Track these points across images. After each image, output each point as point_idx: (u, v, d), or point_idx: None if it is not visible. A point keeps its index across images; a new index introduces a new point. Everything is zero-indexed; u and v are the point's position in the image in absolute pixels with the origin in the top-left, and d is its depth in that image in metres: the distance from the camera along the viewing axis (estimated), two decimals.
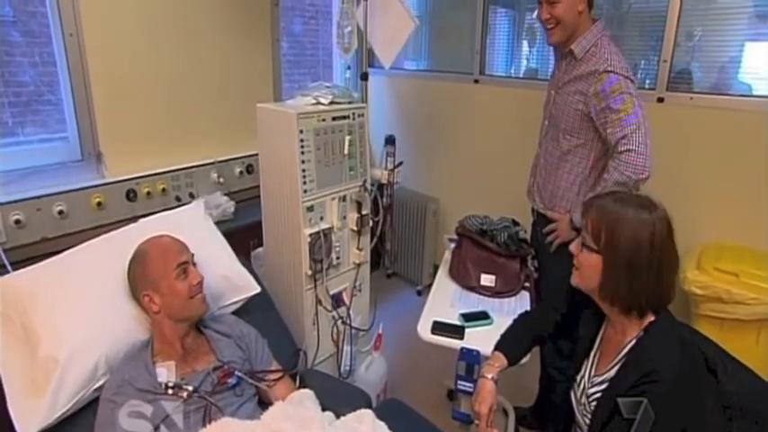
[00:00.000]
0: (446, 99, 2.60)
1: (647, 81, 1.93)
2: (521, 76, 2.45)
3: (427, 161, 2.73)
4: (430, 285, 1.69)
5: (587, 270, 0.94)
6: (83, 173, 1.76)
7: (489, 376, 1.04)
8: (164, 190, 1.89)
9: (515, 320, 1.19)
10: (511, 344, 1.12)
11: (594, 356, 1.01)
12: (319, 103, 1.49)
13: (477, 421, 1.03)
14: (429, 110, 2.69)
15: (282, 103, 1.57)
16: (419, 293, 2.73)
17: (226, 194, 2.05)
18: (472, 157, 2.55)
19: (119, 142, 1.82)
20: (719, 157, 1.75)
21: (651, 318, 0.91)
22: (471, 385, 1.10)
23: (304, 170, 1.43)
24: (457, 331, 1.31)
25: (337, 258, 1.58)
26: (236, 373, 1.09)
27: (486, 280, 1.53)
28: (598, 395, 0.94)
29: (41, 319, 1.02)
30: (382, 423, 1.01)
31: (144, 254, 1.09)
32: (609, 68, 1.31)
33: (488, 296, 1.51)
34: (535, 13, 1.63)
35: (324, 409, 1.09)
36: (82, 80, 1.70)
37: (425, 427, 1.15)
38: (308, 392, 1.14)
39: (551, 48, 1.54)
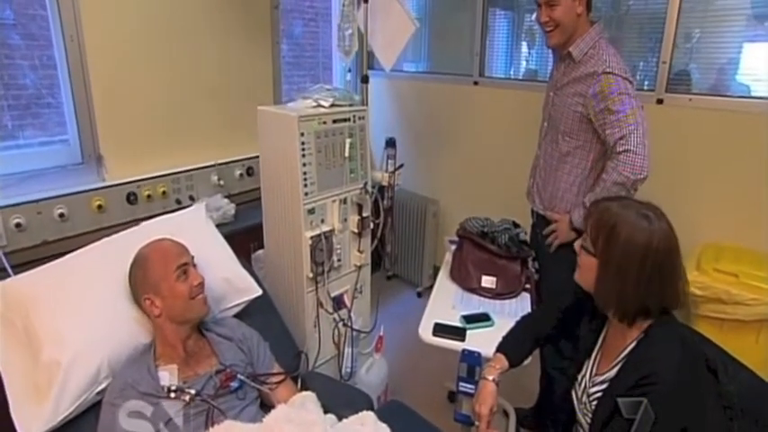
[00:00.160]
0: (446, 101, 2.61)
1: (646, 82, 1.93)
2: (520, 77, 2.45)
3: (427, 163, 2.73)
4: (430, 287, 1.69)
5: (585, 272, 0.96)
6: (83, 176, 1.76)
7: (490, 378, 1.05)
8: (164, 193, 1.89)
9: (517, 322, 1.19)
10: (512, 346, 1.13)
11: (596, 356, 1.02)
12: (320, 106, 1.50)
13: (477, 422, 1.03)
14: (429, 112, 2.70)
15: (283, 106, 1.57)
16: (419, 295, 2.73)
17: (226, 197, 2.05)
18: (472, 159, 2.55)
19: (119, 145, 1.82)
20: (718, 158, 1.76)
21: (651, 320, 0.91)
22: (472, 387, 1.10)
23: (305, 173, 1.43)
24: (458, 333, 1.31)
25: (338, 261, 1.58)
26: (239, 376, 1.09)
27: (487, 282, 1.53)
28: (599, 395, 0.94)
29: (44, 323, 1.02)
30: (384, 425, 1.01)
31: (145, 258, 1.09)
32: (607, 70, 1.32)
33: (489, 298, 1.51)
34: (534, 15, 1.64)
35: (325, 412, 1.09)
36: (82, 83, 1.70)
37: (427, 429, 1.15)
38: (309, 395, 1.14)
39: (550, 49, 1.54)
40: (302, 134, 1.40)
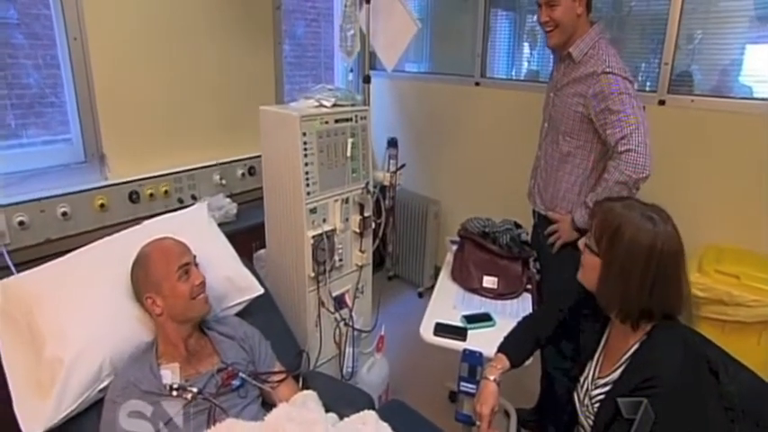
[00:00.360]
0: (447, 101, 2.61)
1: (648, 83, 1.93)
2: (522, 78, 2.45)
3: (429, 163, 2.73)
4: (431, 288, 1.69)
5: (588, 271, 0.96)
6: (86, 174, 1.76)
7: (491, 378, 1.05)
8: (166, 192, 1.90)
9: (519, 323, 1.19)
10: (514, 346, 1.13)
11: (598, 358, 1.02)
12: (322, 106, 1.50)
13: (478, 422, 1.03)
14: (431, 112, 2.70)
15: (285, 106, 1.57)
16: (420, 295, 2.73)
17: (228, 196, 2.05)
18: (473, 160, 2.55)
19: (122, 144, 1.83)
20: (720, 159, 1.76)
21: (654, 322, 0.91)
22: (474, 387, 1.10)
23: (307, 172, 1.43)
24: (459, 333, 1.31)
25: (340, 260, 1.58)
26: (240, 374, 1.09)
27: (489, 282, 1.53)
28: (601, 397, 0.94)
29: (47, 321, 1.03)
30: (385, 424, 1.01)
31: (146, 257, 1.09)
32: (607, 70, 1.32)
33: (491, 298, 1.51)
34: (536, 15, 1.64)
35: (327, 411, 1.09)
36: (85, 82, 1.71)
37: (428, 428, 1.15)
38: (311, 394, 1.15)
39: (550, 50, 1.54)
40: (304, 134, 1.40)
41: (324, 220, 1.52)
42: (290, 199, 1.48)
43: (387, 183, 1.76)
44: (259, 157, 1.61)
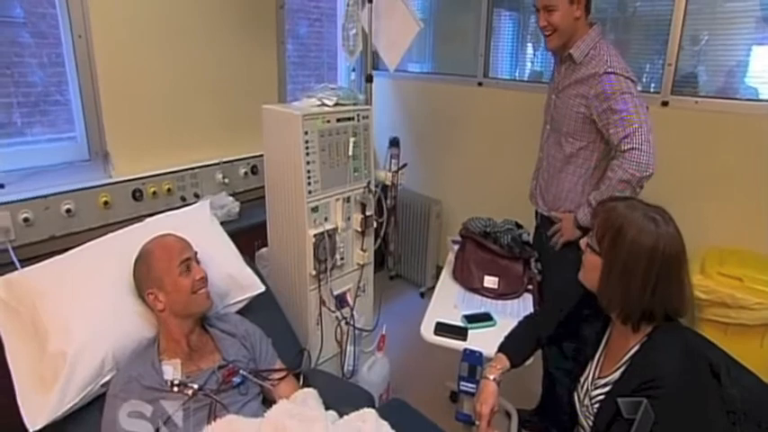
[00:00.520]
0: (450, 101, 2.61)
1: (652, 85, 1.92)
2: (525, 78, 2.45)
3: (431, 163, 2.73)
4: (432, 287, 1.69)
5: (589, 271, 0.96)
6: (90, 172, 1.78)
7: (491, 377, 1.05)
8: (169, 190, 1.91)
9: (519, 323, 1.19)
10: (514, 346, 1.13)
11: (599, 358, 1.02)
12: (324, 105, 1.50)
13: (478, 422, 1.03)
14: (433, 112, 2.70)
15: (288, 105, 1.58)
16: (422, 295, 2.73)
17: (231, 195, 2.06)
18: (475, 160, 2.55)
19: (125, 142, 1.84)
20: (724, 161, 1.75)
21: (655, 323, 0.91)
22: (474, 386, 1.10)
23: (309, 171, 1.44)
24: (460, 332, 1.31)
25: (341, 259, 1.58)
26: (241, 371, 1.10)
27: (490, 282, 1.53)
28: (601, 397, 0.94)
29: (50, 315, 1.04)
30: (385, 422, 1.02)
31: (148, 253, 1.10)
32: (609, 70, 1.32)
33: (491, 298, 1.51)
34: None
35: (327, 409, 1.10)
36: (90, 81, 1.72)
37: (428, 427, 1.15)
38: (311, 391, 1.15)
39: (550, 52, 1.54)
40: (306, 132, 1.41)
41: (325, 219, 1.52)
42: (292, 197, 1.49)
43: (388, 182, 1.76)
44: (262, 156, 1.62)
